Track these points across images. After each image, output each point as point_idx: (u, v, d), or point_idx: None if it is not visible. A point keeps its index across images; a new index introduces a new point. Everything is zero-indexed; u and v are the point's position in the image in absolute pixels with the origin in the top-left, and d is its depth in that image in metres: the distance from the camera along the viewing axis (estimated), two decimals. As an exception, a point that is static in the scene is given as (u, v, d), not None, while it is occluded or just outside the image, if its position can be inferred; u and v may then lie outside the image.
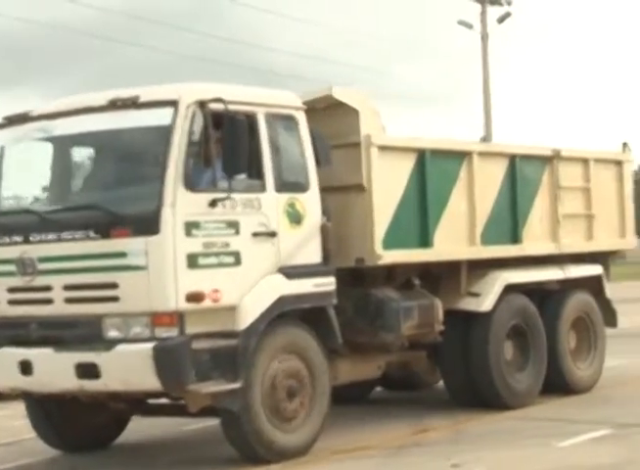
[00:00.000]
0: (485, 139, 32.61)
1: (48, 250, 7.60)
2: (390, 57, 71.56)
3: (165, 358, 7.19)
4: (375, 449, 8.43)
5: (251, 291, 7.75)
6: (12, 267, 7.73)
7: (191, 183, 7.45)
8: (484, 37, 35.86)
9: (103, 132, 7.88)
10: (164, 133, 7.42)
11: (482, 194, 9.85)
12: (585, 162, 11.07)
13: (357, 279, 9.18)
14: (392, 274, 9.36)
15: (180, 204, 7.36)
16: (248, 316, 7.69)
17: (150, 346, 7.21)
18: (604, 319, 11.29)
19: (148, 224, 7.28)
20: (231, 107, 7.58)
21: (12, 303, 7.86)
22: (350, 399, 10.42)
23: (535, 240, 10.45)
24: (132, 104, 7.59)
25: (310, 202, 8.29)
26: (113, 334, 7.38)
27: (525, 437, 8.64)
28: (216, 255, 7.59)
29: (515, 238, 10.25)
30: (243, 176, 7.79)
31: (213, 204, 7.53)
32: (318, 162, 8.42)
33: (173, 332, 7.31)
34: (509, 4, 35.94)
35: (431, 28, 73.34)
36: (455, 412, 9.71)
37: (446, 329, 9.49)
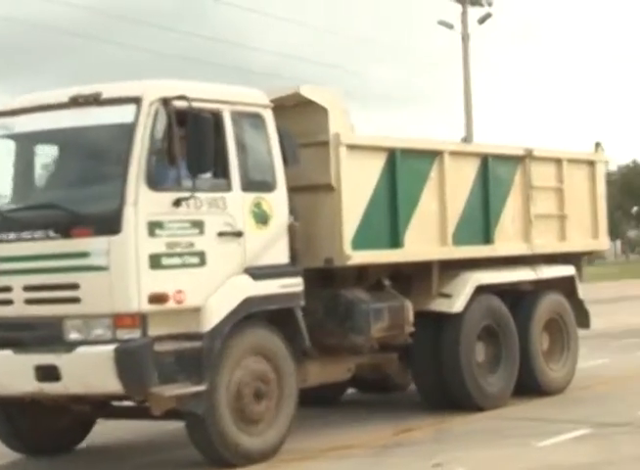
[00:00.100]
0: (466, 139, 32.60)
1: (8, 250, 7.43)
2: (372, 57, 71.64)
3: (127, 361, 7.04)
4: (359, 449, 8.41)
5: (216, 292, 7.60)
6: None
7: (154, 182, 7.29)
8: (465, 38, 35.94)
9: (64, 130, 7.71)
10: (127, 131, 7.27)
11: (454, 194, 9.74)
12: (558, 162, 10.98)
13: (327, 280, 9.06)
14: (363, 275, 9.24)
15: (143, 203, 7.20)
16: (213, 318, 7.54)
17: (111, 348, 7.05)
18: (577, 320, 11.20)
19: (109, 224, 7.13)
20: (196, 104, 7.44)
21: None
22: (322, 402, 10.31)
23: (507, 240, 10.35)
24: (94, 101, 7.44)
25: (277, 201, 8.15)
26: (74, 336, 7.21)
27: (505, 436, 8.61)
28: (180, 255, 7.43)
29: (487, 238, 10.14)
30: (208, 175, 7.65)
31: (177, 203, 7.37)
32: (286, 161, 8.28)
33: (136, 334, 7.15)
34: (490, 5, 36.07)
35: (411, 29, 73.52)
36: (436, 412, 9.65)
37: (417, 330, 9.38)
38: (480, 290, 9.88)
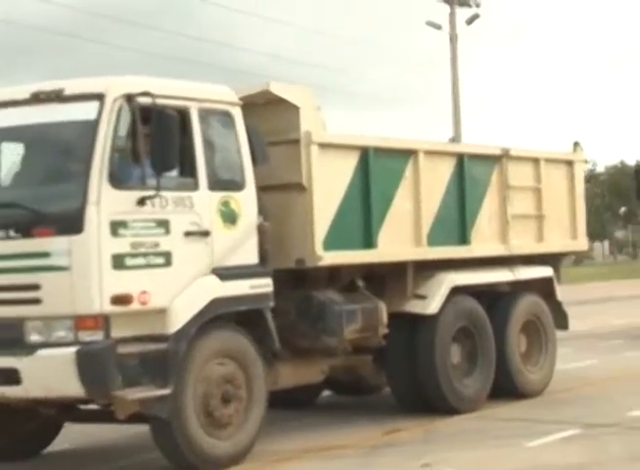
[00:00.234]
0: (454, 139, 32.56)
1: None
2: (361, 58, 71.52)
3: (89, 363, 6.87)
4: (348, 449, 8.34)
5: (182, 293, 7.43)
6: None
7: (117, 180, 7.12)
8: (453, 38, 36.03)
9: (26, 127, 7.53)
10: (89, 128, 7.10)
11: (429, 194, 9.59)
12: (536, 161, 10.84)
13: (299, 281, 8.90)
14: (336, 276, 9.07)
15: (105, 202, 7.03)
16: (178, 319, 7.37)
17: (73, 350, 6.87)
18: (555, 322, 11.05)
19: (71, 223, 6.95)
20: (161, 101, 7.27)
21: None
22: (296, 404, 10.17)
23: (484, 241, 10.21)
24: (56, 97, 7.26)
25: (246, 201, 7.98)
26: (34, 338, 7.03)
27: (494, 437, 8.56)
28: (145, 255, 7.26)
29: (463, 239, 9.99)
30: (174, 174, 7.48)
31: (142, 202, 7.21)
32: (255, 159, 8.12)
33: (98, 336, 6.98)
34: (477, 6, 36.13)
35: (401, 30, 73.54)
36: (424, 413, 9.52)
37: (392, 332, 9.23)
38: (456, 291, 9.72)
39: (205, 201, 7.66)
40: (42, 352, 6.95)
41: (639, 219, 66.35)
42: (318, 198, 8.56)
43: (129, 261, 7.17)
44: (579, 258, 51.49)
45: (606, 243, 66.38)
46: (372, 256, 9.11)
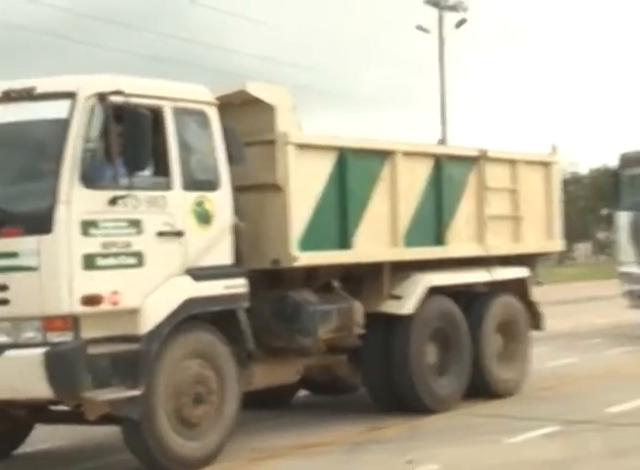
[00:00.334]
0: (442, 141, 32.62)
1: None
2: (351, 60, 71.33)
3: (58, 364, 6.64)
4: (331, 446, 8.21)
5: (154, 293, 7.22)
6: None
7: (89, 180, 6.89)
8: (442, 42, 36.29)
9: None
10: (61, 127, 6.87)
11: (406, 194, 9.39)
12: (513, 163, 10.65)
13: (275, 281, 8.69)
14: (312, 276, 8.86)
15: (76, 201, 6.80)
16: (150, 320, 7.15)
17: (41, 351, 6.65)
18: (530, 322, 10.88)
19: (40, 223, 6.72)
20: (135, 100, 7.04)
21: None
22: (272, 404, 9.98)
23: (461, 242, 10.02)
24: (27, 95, 7.03)
25: (221, 201, 7.77)
26: (2, 339, 6.79)
27: (477, 433, 8.51)
28: (116, 255, 7.04)
29: (439, 239, 9.80)
30: (147, 173, 7.25)
31: (113, 201, 6.98)
32: (231, 159, 7.91)
33: (67, 337, 6.76)
34: (465, 10, 36.35)
35: (393, 33, 73.35)
36: (404, 411, 9.37)
37: (368, 332, 9.04)
38: (433, 291, 9.53)
39: (178, 201, 7.44)
40: (10, 354, 6.72)
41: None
42: (294, 198, 8.35)
43: (100, 261, 6.95)
44: (562, 258, 51.51)
45: (589, 244, 66.38)
46: (348, 256, 8.91)
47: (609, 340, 15.82)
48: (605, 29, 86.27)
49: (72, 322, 6.78)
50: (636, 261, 15.64)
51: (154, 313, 7.18)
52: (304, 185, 8.47)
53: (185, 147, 7.53)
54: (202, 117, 7.73)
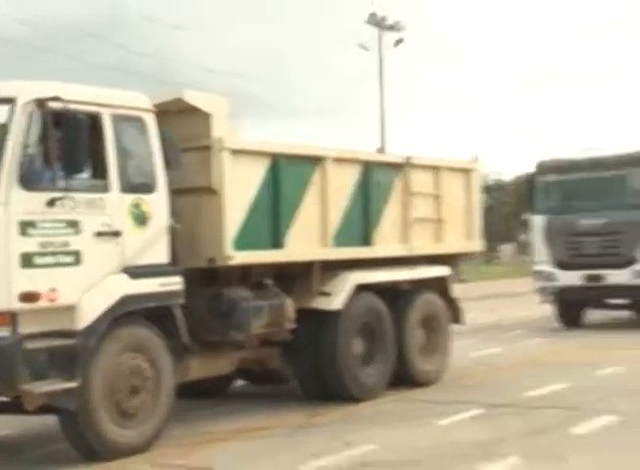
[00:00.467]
0: (381, 150, 32.78)
1: None
2: (296, 74, 71.23)
3: None
4: (275, 430, 8.10)
5: (92, 290, 6.94)
6: None
7: (27, 182, 6.59)
8: (381, 59, 36.66)
9: None
10: (0, 131, 6.57)
11: (335, 198, 9.21)
12: (436, 169, 10.54)
13: (211, 279, 8.46)
14: (246, 274, 8.64)
15: (15, 202, 6.50)
16: (87, 316, 6.88)
17: None
18: (451, 317, 10.78)
19: None
20: (73, 106, 6.76)
21: None
22: (208, 393, 9.74)
23: (387, 242, 9.87)
24: None
25: (157, 203, 7.50)
26: None
27: (409, 417, 8.50)
28: (54, 254, 6.74)
29: (366, 240, 9.64)
30: (85, 176, 6.97)
31: (51, 203, 6.69)
32: (168, 164, 7.65)
33: (5, 332, 6.46)
34: (403, 30, 36.73)
35: (335, 49, 73.61)
36: (336, 399, 9.21)
37: (299, 326, 8.83)
38: (360, 289, 9.37)
39: (116, 203, 7.17)
40: None
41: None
42: (229, 201, 8.12)
43: (38, 260, 6.65)
44: (489, 258, 51.99)
45: (512, 245, 67.26)
46: (280, 255, 8.71)
47: (528, 331, 15.90)
48: (531, 47, 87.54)
49: (10, 318, 6.49)
50: (548, 261, 15.71)
51: (91, 310, 6.91)
52: (239, 188, 8.25)
53: (123, 151, 7.26)
54: (139, 124, 7.46)
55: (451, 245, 10.72)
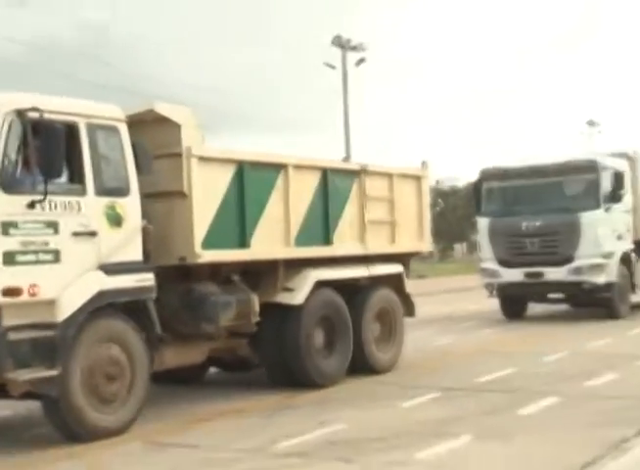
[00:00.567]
0: (346, 159, 32.97)
1: None
2: (266, 90, 71.29)
3: None
4: (251, 412, 8.13)
5: (70, 286, 7.00)
6: None
7: (8, 186, 6.66)
8: (345, 76, 37.13)
9: None
10: None
11: (297, 201, 9.32)
12: (389, 176, 10.68)
13: (183, 276, 8.53)
14: (215, 271, 8.72)
15: None
16: (66, 309, 6.93)
17: None
18: (404, 310, 10.93)
19: None
20: (51, 116, 6.83)
21: None
22: (185, 381, 9.81)
23: (345, 242, 9.98)
24: None
25: (130, 205, 7.57)
26: None
27: (376, 399, 8.70)
28: (35, 252, 6.79)
29: (326, 240, 9.74)
30: (63, 180, 7.04)
31: (31, 205, 6.75)
32: (140, 169, 7.74)
33: None
34: (364, 50, 37.22)
35: (303, 68, 73.95)
36: (299, 385, 9.29)
37: (264, 319, 8.92)
38: (320, 285, 9.47)
39: (92, 205, 7.24)
40: None
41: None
42: (198, 204, 8.20)
43: (20, 258, 6.70)
44: (443, 256, 52.40)
45: (464, 245, 67.96)
46: (246, 254, 8.79)
47: (479, 323, 16.04)
48: (481, 63, 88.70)
49: None
50: (492, 259, 15.92)
51: (69, 303, 6.96)
52: (207, 192, 8.32)
53: (98, 158, 7.33)
54: (113, 132, 7.53)
55: (404, 245, 10.87)
